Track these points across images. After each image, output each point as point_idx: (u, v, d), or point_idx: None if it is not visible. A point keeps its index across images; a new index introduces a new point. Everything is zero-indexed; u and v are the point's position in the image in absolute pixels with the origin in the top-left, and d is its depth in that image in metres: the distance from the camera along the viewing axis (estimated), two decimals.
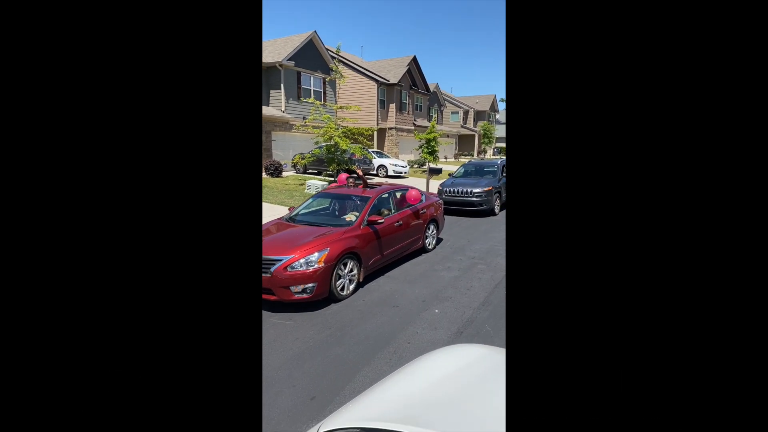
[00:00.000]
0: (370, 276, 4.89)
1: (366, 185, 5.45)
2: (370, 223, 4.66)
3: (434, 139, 19.58)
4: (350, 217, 4.85)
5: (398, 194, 5.61)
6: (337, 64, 13.21)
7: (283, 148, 16.22)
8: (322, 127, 12.54)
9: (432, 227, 6.20)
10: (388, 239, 5.01)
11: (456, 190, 9.12)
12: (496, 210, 9.24)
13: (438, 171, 11.24)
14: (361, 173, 5.47)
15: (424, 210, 5.94)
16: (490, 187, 9.03)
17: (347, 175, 6.02)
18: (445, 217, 9.03)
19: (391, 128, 22.38)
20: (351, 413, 1.32)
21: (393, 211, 5.35)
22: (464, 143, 36.64)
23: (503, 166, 10.16)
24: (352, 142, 12.72)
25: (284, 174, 14.92)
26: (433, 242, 6.26)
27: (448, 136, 32.79)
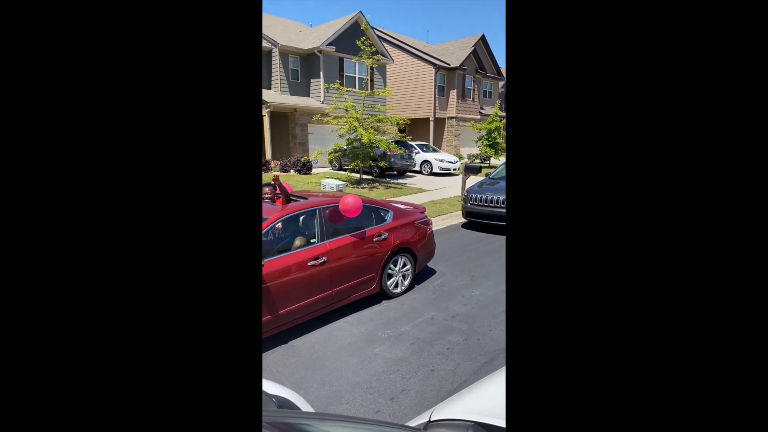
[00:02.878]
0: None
1: (287, 199, 3.62)
2: None
3: (497, 129, 16.69)
4: None
5: (336, 212, 3.66)
6: (368, 43, 11.35)
7: (322, 141, 14.97)
8: (342, 117, 10.87)
9: (403, 260, 4.13)
10: (294, 288, 3.14)
11: (483, 198, 6.73)
12: None
13: (477, 170, 8.84)
14: (279, 181, 3.62)
15: (384, 235, 3.90)
16: None
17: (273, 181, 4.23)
18: (470, 232, 6.79)
19: (451, 118, 19.86)
20: (461, 405, 1.30)
21: (318, 239, 3.45)
22: None
23: None
24: (378, 134, 10.84)
25: (315, 170, 13.65)
26: (406, 282, 4.18)
27: None
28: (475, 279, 4.58)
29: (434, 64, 18.81)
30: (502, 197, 6.51)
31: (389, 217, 4.10)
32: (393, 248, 3.95)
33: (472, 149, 19.69)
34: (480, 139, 16.49)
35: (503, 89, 26.59)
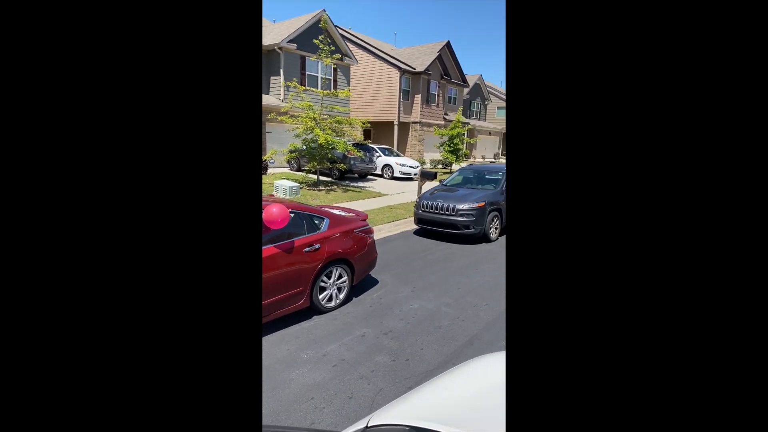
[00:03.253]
0: None
1: None
2: None
3: (458, 135, 16.80)
4: None
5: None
6: (327, 41, 11.02)
7: (281, 141, 14.44)
8: (299, 117, 10.49)
9: (339, 271, 3.86)
10: None
11: (434, 205, 6.59)
12: (492, 235, 6.59)
13: (433, 176, 8.73)
14: None
15: (316, 245, 3.63)
16: (482, 203, 6.39)
17: None
18: (421, 239, 6.62)
19: (416, 122, 19.86)
20: (399, 410, 1.31)
21: None
22: None
23: None
24: (337, 135, 10.53)
25: (272, 170, 13.14)
26: (341, 295, 3.92)
27: (490, 134, 29.48)
28: (417, 290, 4.39)
29: (399, 68, 18.74)
30: (451, 204, 6.39)
31: (324, 225, 3.83)
32: (326, 259, 3.68)
33: (435, 154, 19.75)
34: (442, 144, 16.53)
35: (468, 96, 26.99)
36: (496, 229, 6.67)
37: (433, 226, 6.62)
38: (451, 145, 16.17)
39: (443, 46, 20.67)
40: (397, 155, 15.29)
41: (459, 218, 6.30)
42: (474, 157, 27.42)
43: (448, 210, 6.40)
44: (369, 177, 13.87)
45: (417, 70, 19.23)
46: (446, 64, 21.06)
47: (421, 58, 20.17)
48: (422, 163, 18.55)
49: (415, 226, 7.22)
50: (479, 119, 29.18)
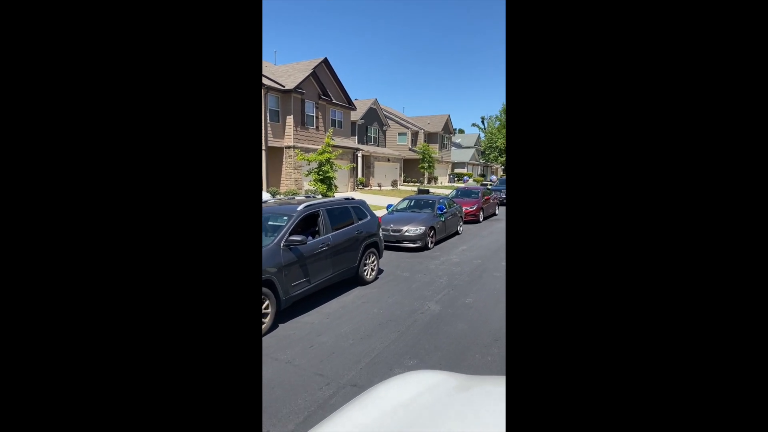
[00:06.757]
0: None
1: None
2: None
3: (328, 161, 14.38)
4: None
5: None
6: None
7: None
8: None
9: None
10: None
11: None
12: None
13: None
14: None
15: None
16: None
17: None
18: None
19: (290, 147, 17.02)
20: None
21: None
22: (411, 168, 31.79)
23: (301, 216, 4.69)
24: None
25: None
26: None
27: (389, 160, 27.85)
28: None
29: (263, 84, 15.90)
30: None
31: None
32: None
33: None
34: (310, 172, 13.82)
35: (363, 121, 25.14)
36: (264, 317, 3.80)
37: None
38: (320, 172, 13.53)
39: (320, 63, 18.42)
40: None
41: None
42: (371, 185, 25.41)
43: None
44: None
45: (286, 87, 16.57)
46: (324, 83, 18.75)
47: (294, 75, 17.64)
48: (294, 194, 15.64)
49: None
50: (377, 145, 27.46)
